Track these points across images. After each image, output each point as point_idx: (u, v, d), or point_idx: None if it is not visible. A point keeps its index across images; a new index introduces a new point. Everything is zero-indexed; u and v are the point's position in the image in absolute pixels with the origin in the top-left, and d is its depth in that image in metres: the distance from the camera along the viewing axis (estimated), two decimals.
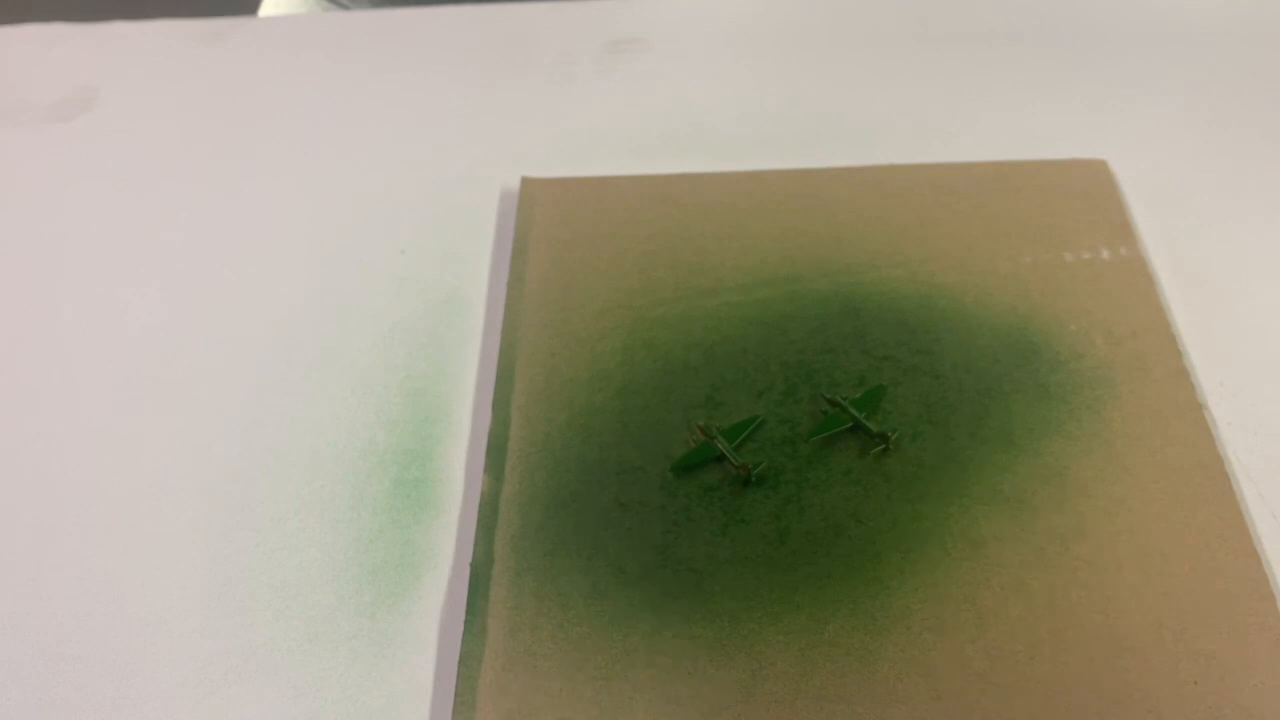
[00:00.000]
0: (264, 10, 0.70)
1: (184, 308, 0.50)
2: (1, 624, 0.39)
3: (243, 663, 0.38)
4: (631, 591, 0.38)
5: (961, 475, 0.41)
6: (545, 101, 0.59)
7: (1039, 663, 0.36)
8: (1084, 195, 0.51)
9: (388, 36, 0.65)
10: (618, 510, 0.41)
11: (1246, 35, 0.61)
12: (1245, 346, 0.45)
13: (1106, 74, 0.59)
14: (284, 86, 0.61)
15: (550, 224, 0.51)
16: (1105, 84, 0.58)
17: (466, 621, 0.38)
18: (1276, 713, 0.34)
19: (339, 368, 0.47)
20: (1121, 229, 0.49)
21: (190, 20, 0.66)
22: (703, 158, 0.55)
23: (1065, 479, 0.41)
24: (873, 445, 0.42)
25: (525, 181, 0.53)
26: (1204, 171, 0.53)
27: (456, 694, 0.36)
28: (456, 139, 0.57)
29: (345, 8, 0.69)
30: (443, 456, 0.43)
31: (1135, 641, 0.36)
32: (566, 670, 0.36)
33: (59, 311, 0.50)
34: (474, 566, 0.39)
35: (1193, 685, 0.35)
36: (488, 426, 0.44)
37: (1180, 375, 0.44)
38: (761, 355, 0.45)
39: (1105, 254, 0.48)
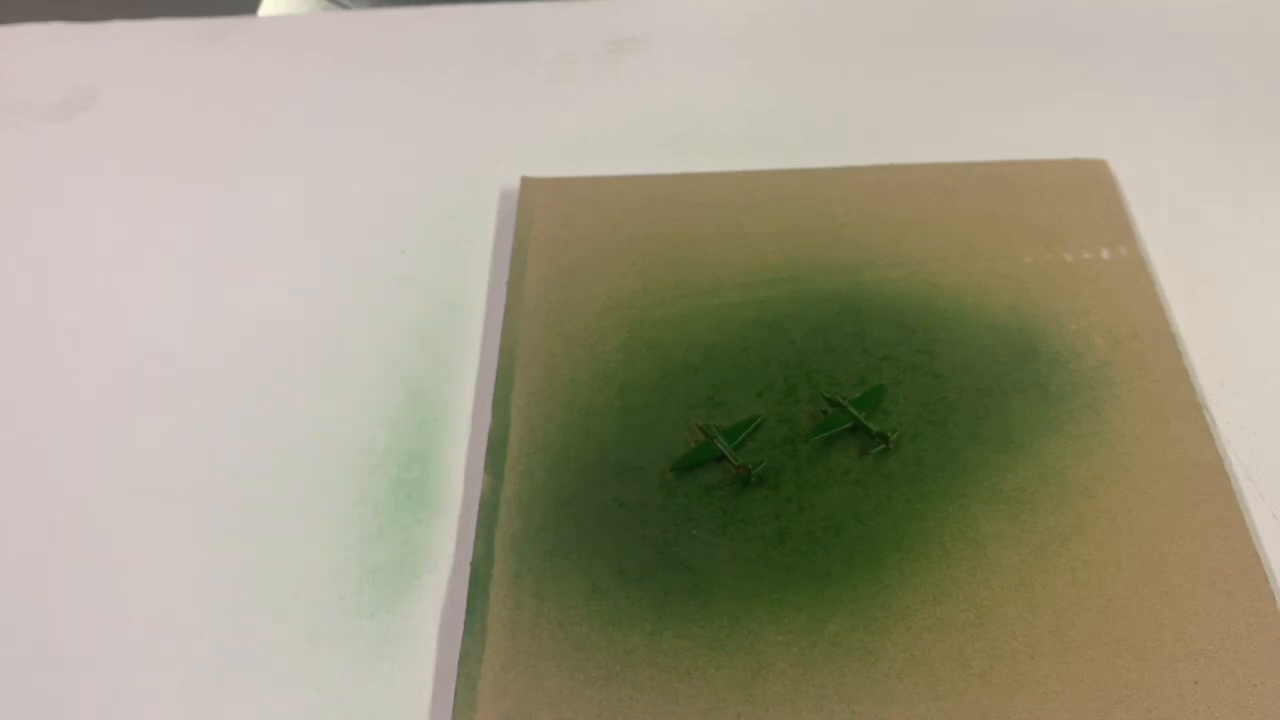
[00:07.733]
0: (264, 10, 0.70)
1: (184, 308, 0.50)
2: (1, 624, 0.39)
3: (243, 663, 0.38)
4: (631, 591, 0.38)
5: (961, 475, 0.41)
6: (545, 101, 0.59)
7: (1039, 662, 0.36)
8: (1084, 195, 0.51)
9: (388, 36, 0.64)
10: (618, 510, 0.41)
11: (1246, 35, 0.61)
12: (1245, 346, 0.45)
13: (1106, 74, 0.59)
14: (284, 86, 0.61)
15: (550, 224, 0.51)
16: (1105, 84, 0.58)
17: (466, 621, 0.38)
18: (1276, 713, 0.34)
19: (339, 368, 0.47)
20: (1121, 229, 0.49)
21: (190, 20, 0.66)
22: (703, 158, 0.55)
23: (1065, 479, 0.41)
24: (873, 445, 0.42)
25: (525, 181, 0.53)
26: (1204, 171, 0.53)
27: (456, 694, 0.36)
28: (456, 139, 0.57)
29: (345, 8, 0.69)
30: (443, 456, 0.43)
31: (1135, 641, 0.36)
32: (566, 670, 0.36)
33: (59, 311, 0.50)
34: (474, 566, 0.39)
35: (1193, 685, 0.35)
36: (488, 426, 0.44)
37: (1180, 375, 0.44)
38: (761, 355, 0.45)
39: (1105, 254, 0.48)
